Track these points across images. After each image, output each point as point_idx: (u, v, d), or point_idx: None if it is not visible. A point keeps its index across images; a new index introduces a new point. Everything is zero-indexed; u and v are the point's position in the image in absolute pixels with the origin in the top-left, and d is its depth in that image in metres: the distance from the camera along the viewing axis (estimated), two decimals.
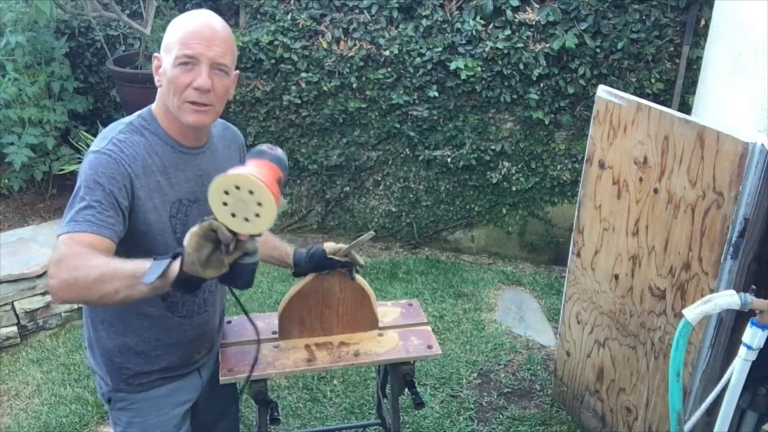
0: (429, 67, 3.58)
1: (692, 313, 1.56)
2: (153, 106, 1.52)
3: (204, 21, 1.44)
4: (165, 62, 1.44)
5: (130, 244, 1.43)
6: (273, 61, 3.76)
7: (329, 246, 1.74)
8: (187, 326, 1.61)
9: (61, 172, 3.70)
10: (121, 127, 1.47)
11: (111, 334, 1.57)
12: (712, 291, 1.92)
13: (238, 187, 1.18)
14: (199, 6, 3.98)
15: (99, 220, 1.36)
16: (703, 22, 3.25)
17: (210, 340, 1.73)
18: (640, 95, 3.05)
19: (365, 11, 3.64)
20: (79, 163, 3.54)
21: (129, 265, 1.25)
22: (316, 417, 2.67)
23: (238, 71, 1.53)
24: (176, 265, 1.21)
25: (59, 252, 1.33)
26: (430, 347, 1.83)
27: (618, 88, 2.38)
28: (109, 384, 1.62)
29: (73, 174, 3.61)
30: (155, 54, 1.49)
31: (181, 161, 1.51)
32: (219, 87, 1.43)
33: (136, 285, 1.23)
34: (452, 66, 3.50)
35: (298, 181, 4.12)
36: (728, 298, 1.58)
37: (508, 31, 3.44)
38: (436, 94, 3.62)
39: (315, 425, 2.62)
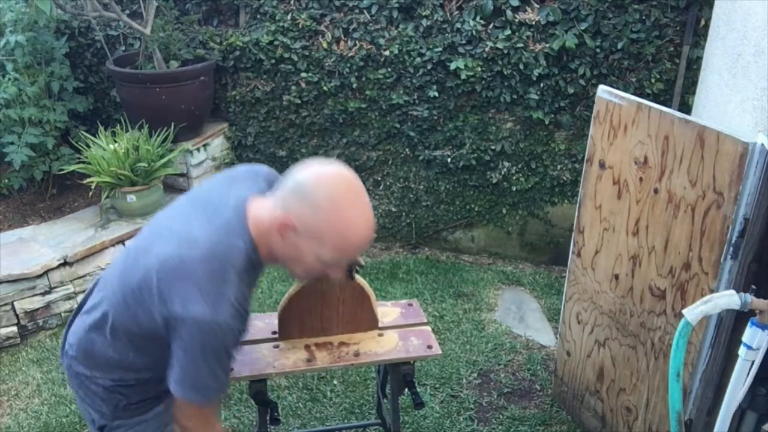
0: (429, 67, 3.58)
1: (692, 313, 1.56)
2: (255, 235, 1.36)
3: (370, 230, 1.34)
4: (310, 249, 1.32)
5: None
6: (273, 61, 3.76)
7: None
8: None
9: (61, 172, 3.70)
10: (234, 278, 1.32)
11: (107, 374, 1.52)
12: (712, 291, 1.92)
13: None
14: (199, 6, 3.98)
15: (224, 385, 1.41)
16: (703, 22, 3.25)
17: None
18: (640, 95, 3.05)
19: (365, 11, 3.64)
20: (79, 163, 3.55)
21: None
22: (316, 417, 2.67)
23: None
24: None
25: (194, 427, 1.43)
26: (430, 347, 1.83)
27: (618, 88, 2.38)
28: (106, 413, 1.55)
29: (74, 174, 3.60)
30: (288, 214, 1.31)
31: (255, 276, 1.46)
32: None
33: None
34: (452, 66, 3.50)
35: None
36: (728, 298, 1.58)
37: (508, 31, 3.44)
38: (436, 94, 3.62)
39: (315, 425, 2.62)
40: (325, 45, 3.66)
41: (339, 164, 1.36)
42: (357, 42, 3.64)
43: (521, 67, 3.45)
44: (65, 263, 3.20)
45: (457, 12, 3.53)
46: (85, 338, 1.52)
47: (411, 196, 3.96)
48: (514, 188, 3.78)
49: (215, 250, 1.32)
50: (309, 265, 1.36)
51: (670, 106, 3.05)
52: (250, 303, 1.41)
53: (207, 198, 1.46)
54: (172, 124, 3.62)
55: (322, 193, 1.29)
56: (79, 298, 3.26)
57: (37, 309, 3.17)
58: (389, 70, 3.64)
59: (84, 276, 3.28)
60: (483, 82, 3.55)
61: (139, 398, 1.56)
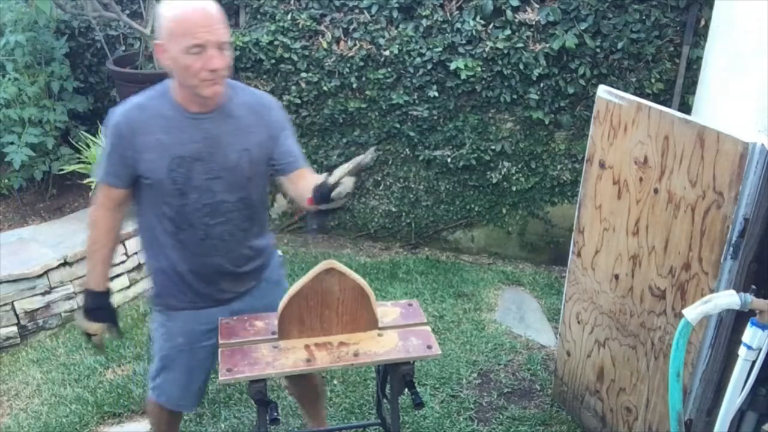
0: (429, 67, 3.58)
1: (692, 313, 1.56)
2: (170, 80, 1.76)
3: (200, 7, 1.63)
4: (173, 49, 1.64)
5: (142, 189, 1.79)
6: (273, 61, 3.76)
7: (336, 173, 1.67)
8: (198, 265, 1.85)
9: (61, 172, 3.70)
10: (144, 93, 1.81)
11: (149, 256, 1.92)
12: (712, 291, 1.92)
13: None
14: None
15: (112, 172, 1.78)
16: (703, 22, 3.25)
17: (235, 280, 1.92)
18: (640, 95, 3.05)
19: (365, 11, 3.64)
20: (79, 163, 3.56)
21: (93, 259, 1.90)
22: None
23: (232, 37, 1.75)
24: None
25: (95, 194, 1.86)
26: (429, 347, 1.83)
27: (618, 88, 2.38)
28: (153, 290, 1.95)
29: (74, 174, 3.61)
30: (156, 41, 1.70)
31: (186, 124, 1.75)
32: (226, 61, 1.68)
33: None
34: (452, 66, 3.50)
35: None
36: (728, 298, 1.58)
37: (508, 31, 3.44)
38: (436, 94, 3.62)
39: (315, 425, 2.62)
40: (325, 45, 3.66)
41: None
42: (357, 42, 3.64)
43: (521, 67, 3.45)
44: (65, 263, 3.20)
45: (457, 12, 3.52)
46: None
47: (411, 196, 3.96)
48: (514, 188, 3.78)
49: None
50: (184, 64, 1.63)
51: (670, 106, 3.06)
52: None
53: None
54: None
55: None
56: (80, 298, 3.28)
57: (37, 309, 3.16)
58: (389, 70, 3.64)
59: (84, 276, 3.27)
60: (483, 82, 3.55)
61: (169, 293, 1.97)
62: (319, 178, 1.72)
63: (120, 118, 1.75)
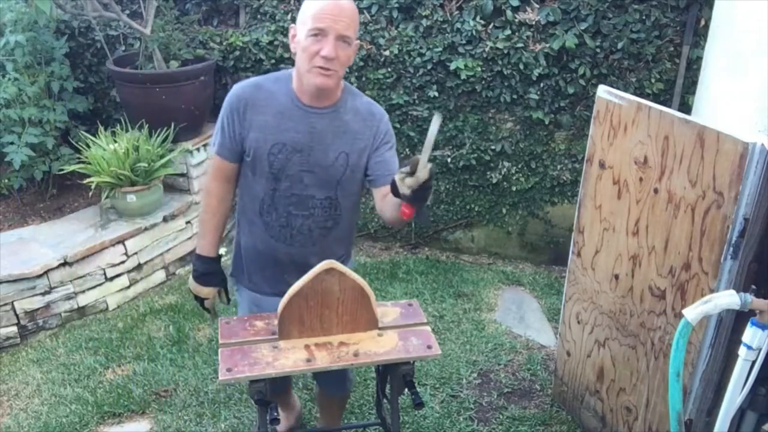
0: (429, 67, 3.58)
1: (692, 313, 1.57)
2: (293, 69, 1.83)
3: (336, 0, 1.69)
4: (300, 33, 1.72)
5: (244, 165, 1.89)
6: (273, 61, 3.76)
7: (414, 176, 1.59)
8: (274, 249, 1.94)
9: (61, 172, 3.70)
10: (266, 75, 1.90)
11: (238, 230, 2.04)
12: (712, 291, 1.92)
13: None
14: (199, 6, 3.98)
15: (224, 145, 1.88)
16: (703, 22, 3.25)
17: (304, 272, 1.80)
18: (640, 95, 3.05)
19: (365, 11, 3.64)
20: (79, 163, 3.57)
21: (205, 226, 2.00)
22: (316, 417, 2.67)
23: (359, 41, 1.86)
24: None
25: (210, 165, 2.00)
26: (429, 347, 1.82)
27: (618, 88, 2.38)
28: (231, 262, 2.09)
29: (74, 174, 3.61)
30: (291, 24, 1.84)
31: (296, 114, 1.81)
32: (342, 56, 1.72)
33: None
34: (452, 66, 3.50)
35: None
36: (728, 298, 1.58)
37: (508, 31, 3.44)
38: (436, 94, 3.62)
39: (315, 425, 2.62)
40: None
41: None
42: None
43: (521, 67, 3.45)
44: (65, 263, 3.20)
45: (457, 12, 3.53)
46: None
47: None
48: (514, 188, 3.78)
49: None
50: (303, 45, 1.71)
51: (670, 106, 3.06)
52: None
53: None
54: (172, 124, 3.62)
55: None
56: (80, 298, 3.28)
57: (37, 309, 3.16)
58: (389, 70, 3.64)
59: (84, 276, 3.28)
60: (483, 82, 3.55)
61: (244, 268, 2.09)
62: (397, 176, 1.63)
63: (236, 92, 1.84)
